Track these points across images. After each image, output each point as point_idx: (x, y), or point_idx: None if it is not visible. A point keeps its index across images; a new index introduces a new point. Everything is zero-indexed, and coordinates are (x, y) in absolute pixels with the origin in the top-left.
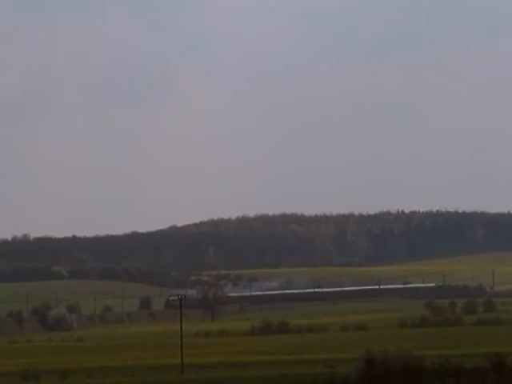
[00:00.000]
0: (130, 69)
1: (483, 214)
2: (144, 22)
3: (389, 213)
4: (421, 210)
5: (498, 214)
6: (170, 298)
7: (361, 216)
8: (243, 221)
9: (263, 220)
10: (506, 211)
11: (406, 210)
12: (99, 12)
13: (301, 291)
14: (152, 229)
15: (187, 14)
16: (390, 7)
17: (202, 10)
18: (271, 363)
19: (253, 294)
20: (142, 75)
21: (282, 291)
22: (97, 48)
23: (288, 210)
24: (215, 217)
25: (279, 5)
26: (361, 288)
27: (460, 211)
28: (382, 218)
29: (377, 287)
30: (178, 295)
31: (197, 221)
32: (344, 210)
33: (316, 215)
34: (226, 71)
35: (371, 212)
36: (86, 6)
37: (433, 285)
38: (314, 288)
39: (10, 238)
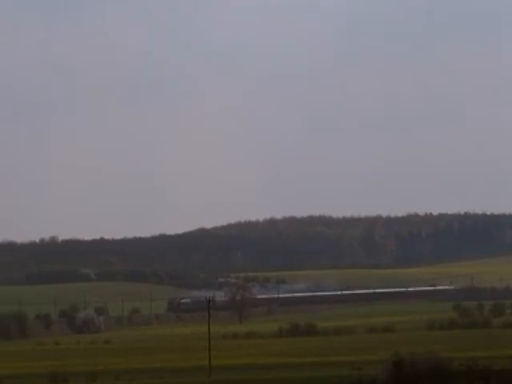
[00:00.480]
0: (145, 69)
1: (511, 217)
2: (149, 20)
3: (417, 215)
4: (449, 212)
5: None
6: (182, 301)
7: (388, 218)
8: (271, 223)
9: (291, 222)
10: None
11: (434, 213)
12: (102, 12)
13: (328, 293)
14: (180, 231)
15: (195, 13)
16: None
17: (212, 9)
18: (298, 365)
19: (280, 296)
20: (160, 75)
21: (310, 293)
22: (100, 47)
23: (316, 212)
24: (243, 219)
25: (291, 4)
26: (388, 290)
27: (488, 213)
28: (409, 221)
29: (404, 289)
30: (181, 298)
31: (224, 223)
32: (372, 212)
33: (344, 217)
34: (243, 71)
35: (399, 214)
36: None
37: (460, 287)
38: (341, 290)
39: (37, 240)
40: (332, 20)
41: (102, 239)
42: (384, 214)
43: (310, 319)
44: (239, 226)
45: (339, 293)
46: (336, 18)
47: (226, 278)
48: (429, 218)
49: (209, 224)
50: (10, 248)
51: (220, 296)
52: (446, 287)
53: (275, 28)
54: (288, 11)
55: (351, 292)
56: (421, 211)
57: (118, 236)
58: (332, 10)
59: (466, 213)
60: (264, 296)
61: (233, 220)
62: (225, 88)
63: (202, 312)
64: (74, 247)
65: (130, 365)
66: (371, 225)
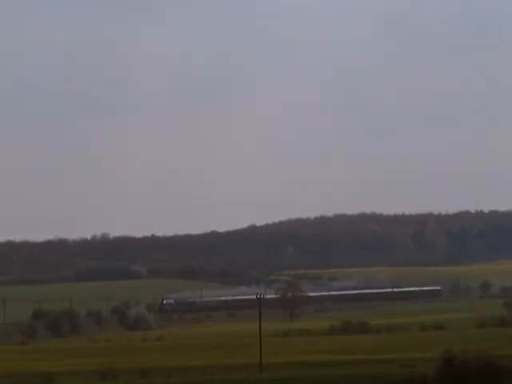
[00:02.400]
0: (204, 69)
1: None
2: (219, 18)
3: (468, 212)
4: (500, 210)
5: None
6: (165, 302)
7: (440, 215)
8: (322, 220)
9: (342, 219)
10: None
11: (486, 210)
12: (183, 11)
13: (380, 291)
14: (231, 228)
15: (259, 13)
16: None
17: (276, 9)
18: (350, 362)
19: (332, 293)
20: (220, 76)
21: (361, 290)
22: (167, 47)
23: (367, 210)
24: (294, 216)
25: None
26: (439, 287)
27: None
28: (461, 218)
29: (455, 286)
30: (165, 299)
31: (275, 220)
32: (423, 209)
33: (395, 214)
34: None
35: (450, 211)
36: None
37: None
38: (392, 287)
39: (89, 237)
40: (403, 19)
41: (153, 236)
42: (435, 211)
43: (362, 316)
44: (290, 223)
45: (390, 290)
46: (408, 16)
47: (277, 275)
48: (480, 215)
49: (260, 221)
50: (61, 245)
51: (271, 294)
52: (498, 284)
53: (327, 27)
54: (338, 11)
55: (402, 289)
56: (472, 208)
57: (169, 233)
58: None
59: None
60: (315, 293)
61: (283, 217)
62: (276, 86)
63: (185, 313)
64: (125, 244)
65: (181, 362)
66: (422, 222)
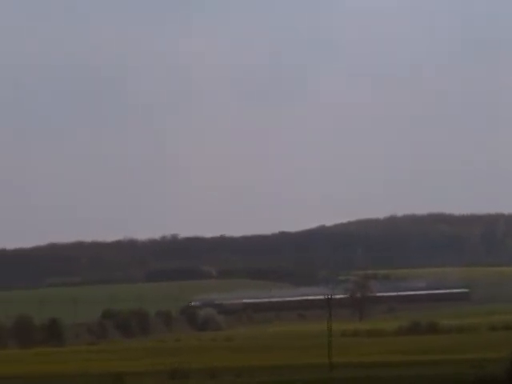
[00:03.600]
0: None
1: None
2: (274, 21)
3: None
4: None
5: None
6: (192, 304)
7: (510, 216)
8: (391, 220)
9: (411, 220)
10: None
11: None
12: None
13: (449, 291)
14: (300, 228)
15: (315, 14)
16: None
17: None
18: (419, 363)
19: (401, 293)
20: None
21: (431, 291)
22: (230, 49)
23: (436, 210)
24: (363, 217)
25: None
26: (510, 288)
27: None
28: None
29: None
30: (190, 301)
31: (345, 221)
32: (493, 209)
33: (464, 215)
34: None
35: None
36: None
37: None
38: (462, 288)
39: (158, 237)
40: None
41: (222, 237)
42: (505, 211)
43: (431, 317)
44: (359, 223)
45: (460, 291)
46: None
47: (347, 275)
48: None
49: (329, 221)
50: (131, 245)
51: (340, 294)
52: None
53: (389, 27)
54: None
55: (472, 290)
56: None
57: (239, 233)
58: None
59: None
60: (384, 294)
61: (353, 218)
62: (342, 84)
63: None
64: (194, 245)
65: (250, 362)
66: (492, 222)
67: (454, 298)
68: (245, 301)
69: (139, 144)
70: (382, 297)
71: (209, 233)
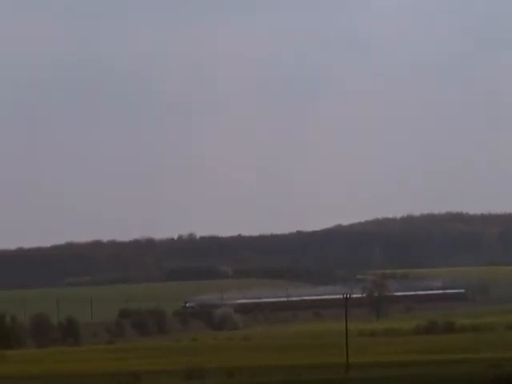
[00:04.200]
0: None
1: None
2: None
3: None
4: None
5: None
6: (187, 305)
7: None
8: (408, 220)
9: (428, 219)
10: None
11: None
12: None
13: (465, 290)
14: (317, 228)
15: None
16: None
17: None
18: (436, 362)
19: (418, 293)
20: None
21: (448, 290)
22: (256, 49)
23: (453, 209)
24: (380, 216)
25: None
26: None
27: None
28: None
29: None
30: (186, 302)
31: (362, 220)
32: (510, 208)
33: (481, 214)
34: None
35: None
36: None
37: None
38: (479, 287)
39: (176, 237)
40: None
41: (239, 236)
42: None
43: (448, 316)
44: (376, 222)
45: (457, 291)
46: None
47: (364, 275)
48: None
49: (346, 221)
50: (149, 245)
51: (357, 293)
52: None
53: (415, 24)
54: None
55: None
56: None
57: (256, 233)
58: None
59: None
60: (401, 293)
61: (370, 217)
62: (365, 82)
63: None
64: (211, 244)
65: (267, 361)
66: (510, 221)
67: (452, 298)
68: (262, 300)
69: (158, 143)
70: (399, 296)
71: (226, 232)
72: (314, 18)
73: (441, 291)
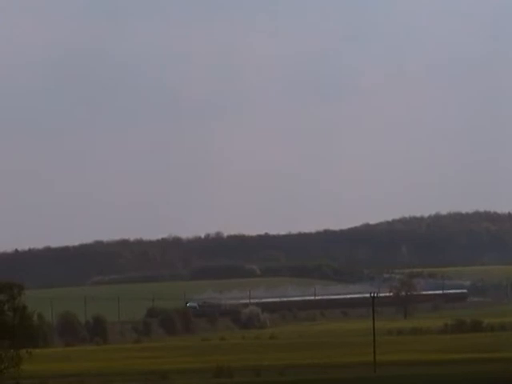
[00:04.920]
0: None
1: None
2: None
3: None
4: None
5: None
6: (189, 305)
7: None
8: (436, 218)
9: (456, 218)
10: None
11: None
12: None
13: (494, 289)
14: (345, 226)
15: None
16: None
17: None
18: (463, 361)
19: (446, 291)
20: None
21: (476, 289)
22: (283, 44)
23: (481, 208)
24: (407, 215)
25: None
26: None
27: None
28: None
29: None
30: (187, 302)
31: (389, 218)
32: None
33: (509, 213)
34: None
35: None
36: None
37: None
38: (507, 286)
39: (203, 235)
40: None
41: (266, 234)
42: None
43: (476, 315)
44: (404, 221)
45: (460, 291)
46: None
47: (391, 273)
48: None
49: (373, 219)
50: (176, 243)
51: (384, 292)
52: None
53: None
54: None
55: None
56: None
57: (283, 231)
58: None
59: None
60: (429, 292)
61: (397, 216)
62: (389, 80)
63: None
64: (238, 242)
65: (294, 360)
66: None
67: (479, 297)
68: (289, 299)
69: (184, 143)
70: (427, 295)
71: (253, 231)
72: (338, 15)
73: (468, 290)
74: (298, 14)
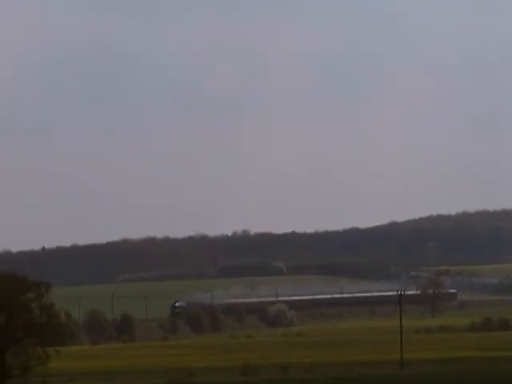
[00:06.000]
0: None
1: None
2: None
3: None
4: None
5: None
6: (177, 305)
7: None
8: (463, 216)
9: (483, 216)
10: None
11: None
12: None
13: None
14: (372, 224)
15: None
16: None
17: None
18: (490, 359)
19: (473, 290)
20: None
21: (503, 287)
22: (305, 46)
23: (508, 206)
24: (434, 212)
25: None
26: None
27: None
28: None
29: None
30: (175, 301)
31: (416, 216)
32: None
33: None
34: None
35: None
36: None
37: None
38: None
39: (230, 233)
40: None
41: (293, 233)
42: None
43: (503, 313)
44: (431, 219)
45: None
46: None
47: (418, 271)
48: None
49: (400, 217)
50: (203, 241)
51: (411, 290)
52: None
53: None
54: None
55: None
56: None
57: (310, 230)
58: None
59: None
60: (456, 290)
61: (424, 213)
62: (413, 78)
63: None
64: (265, 240)
65: (321, 358)
66: None
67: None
68: (316, 296)
69: (211, 141)
70: (455, 293)
71: (280, 229)
72: (366, 15)
73: (495, 288)
74: (326, 11)
